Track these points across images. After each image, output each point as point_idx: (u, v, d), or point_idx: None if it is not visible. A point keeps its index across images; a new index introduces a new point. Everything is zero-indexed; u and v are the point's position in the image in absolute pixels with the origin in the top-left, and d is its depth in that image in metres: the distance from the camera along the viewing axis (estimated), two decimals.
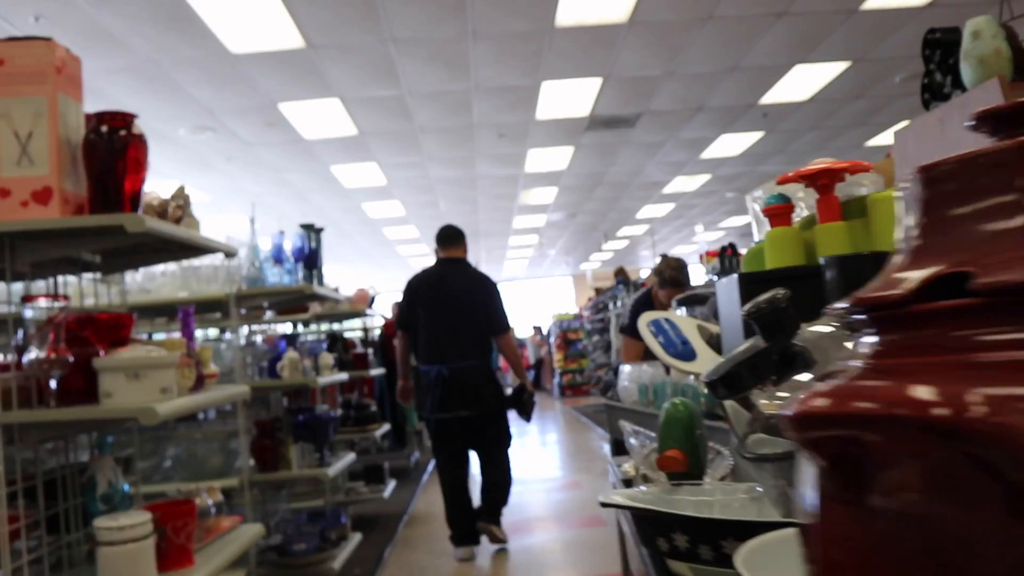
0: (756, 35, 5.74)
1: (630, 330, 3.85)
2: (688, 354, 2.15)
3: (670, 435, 0.95)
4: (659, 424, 0.97)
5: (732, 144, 8.76)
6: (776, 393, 0.75)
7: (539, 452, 8.11)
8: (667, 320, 2.38)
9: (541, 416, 10.45)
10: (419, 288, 4.18)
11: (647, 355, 3.64)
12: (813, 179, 0.95)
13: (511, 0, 4.88)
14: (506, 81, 6.27)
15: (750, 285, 0.95)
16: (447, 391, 4.00)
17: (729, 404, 0.81)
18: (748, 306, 0.75)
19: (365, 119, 6.87)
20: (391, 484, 5.32)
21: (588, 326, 14.24)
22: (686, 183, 10.74)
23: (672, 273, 4.01)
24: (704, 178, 10.52)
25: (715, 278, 6.52)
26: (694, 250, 15.72)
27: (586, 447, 8.11)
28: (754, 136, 8.53)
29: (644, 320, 2.49)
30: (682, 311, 2.73)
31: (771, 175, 10.38)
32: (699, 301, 2.58)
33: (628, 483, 1.24)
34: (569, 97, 6.74)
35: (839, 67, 6.53)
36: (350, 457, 4.11)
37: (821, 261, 0.93)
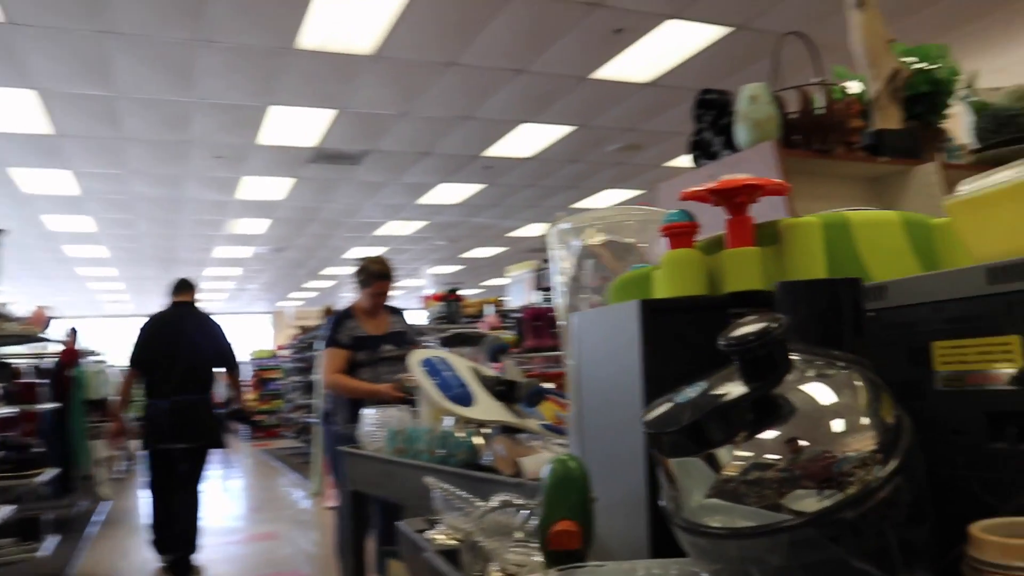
0: (493, 88, 5.85)
1: (332, 341, 3.65)
2: (465, 398, 1.96)
3: (560, 501, 0.75)
4: (544, 487, 0.77)
5: (451, 193, 8.87)
6: (738, 453, 0.59)
7: (227, 499, 7.44)
8: (442, 359, 2.18)
9: (227, 459, 9.68)
10: (154, 328, 4.56)
11: (354, 367, 3.50)
12: (728, 195, 0.82)
13: (255, 10, 4.50)
14: (233, 98, 5.79)
15: (655, 315, 0.79)
16: (172, 423, 4.34)
17: (678, 460, 0.63)
18: (731, 337, 0.58)
19: (65, 118, 5.96)
20: (51, 540, 4.53)
21: (288, 365, 13.60)
22: (400, 227, 10.70)
23: (379, 267, 3.71)
24: (419, 224, 10.56)
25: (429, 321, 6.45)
26: (401, 295, 15.72)
27: (278, 494, 7.59)
28: (474, 187, 8.71)
29: (416, 358, 2.27)
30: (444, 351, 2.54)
31: (483, 227, 10.68)
32: (466, 341, 2.42)
33: (451, 555, 1.01)
34: (297, 125, 6.40)
35: (564, 130, 6.87)
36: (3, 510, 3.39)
37: (771, 287, 0.80)
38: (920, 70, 2.54)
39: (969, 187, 0.79)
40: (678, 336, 0.82)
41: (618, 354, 0.86)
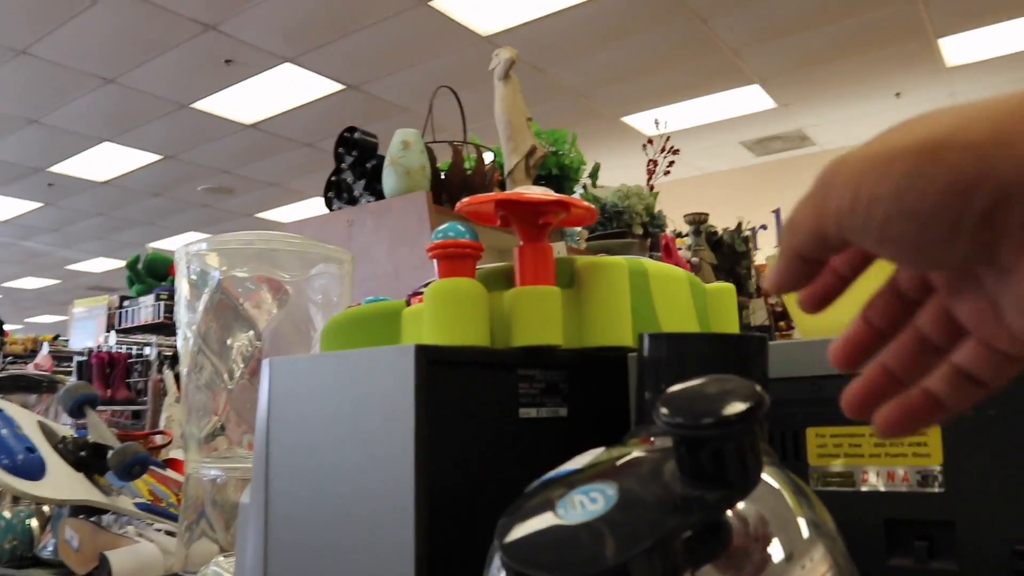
0: (74, 92, 4.99)
1: None
2: (34, 468, 1.42)
3: None
4: None
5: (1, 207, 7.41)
6: None
7: None
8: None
9: None
10: None
11: None
12: (527, 211, 0.60)
13: None
14: None
15: (434, 367, 0.53)
16: None
17: None
18: (707, 416, 0.35)
19: None
20: None
21: None
22: None
23: None
24: None
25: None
26: None
27: None
28: (31, 205, 7.36)
29: None
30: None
31: (36, 253, 9.09)
32: (27, 386, 1.80)
33: None
34: None
35: (150, 157, 6.12)
36: None
37: (645, 338, 0.57)
38: (553, 152, 2.62)
39: None
40: (460, 400, 0.56)
41: (366, 421, 0.57)
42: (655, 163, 2.89)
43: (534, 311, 0.61)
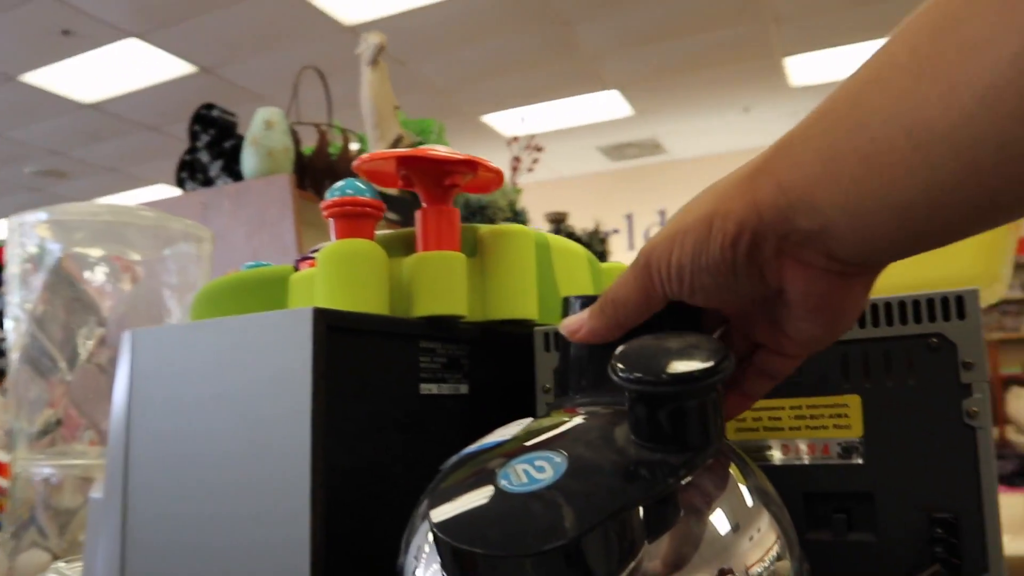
0: None
1: None
2: None
3: None
4: None
5: None
6: None
7: None
8: None
9: None
10: None
11: None
12: (433, 170, 0.56)
13: None
14: None
15: (334, 334, 0.48)
16: None
17: None
18: (666, 373, 0.32)
19: None
20: None
21: None
22: None
23: None
24: None
25: None
26: None
27: None
28: None
29: None
30: None
31: None
32: None
33: None
34: None
35: None
36: None
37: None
38: (419, 143, 2.56)
39: None
40: (359, 372, 0.51)
41: (252, 397, 0.51)
42: (519, 160, 2.88)
43: (439, 278, 0.56)
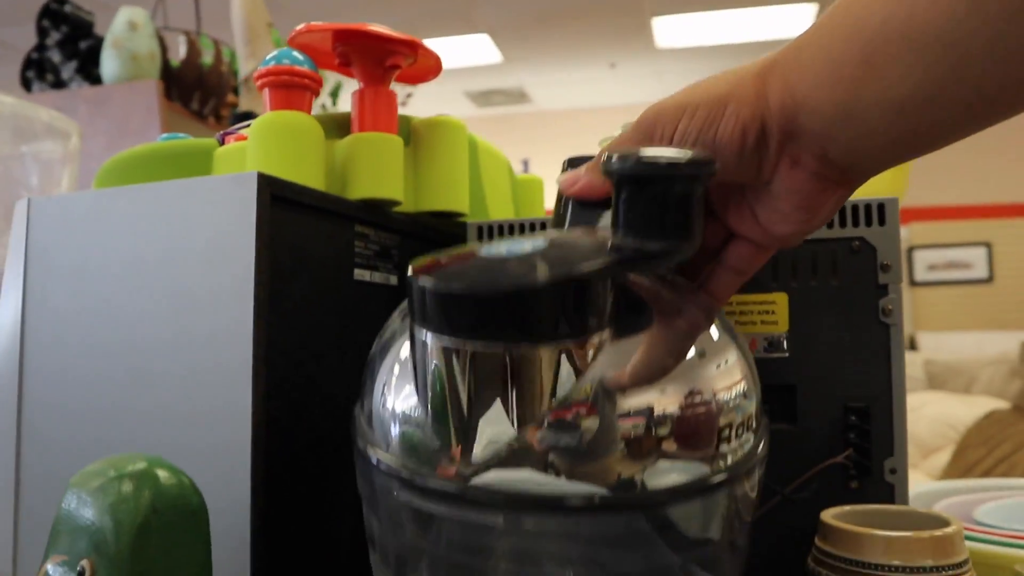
0: None
1: None
2: None
3: (161, 569, 0.33)
4: (110, 545, 0.34)
5: None
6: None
7: None
8: None
9: None
10: None
11: None
12: (372, 47, 0.54)
13: None
14: None
15: (278, 205, 0.46)
16: None
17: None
18: (646, 157, 0.33)
19: None
20: None
21: None
22: None
23: None
24: None
25: None
26: None
27: None
28: None
29: None
30: None
31: None
32: None
33: None
34: None
35: None
36: None
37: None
38: None
39: None
40: (300, 249, 0.48)
41: (182, 271, 0.47)
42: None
43: (376, 159, 0.54)
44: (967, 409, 2.88)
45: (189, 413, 0.46)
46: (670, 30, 5.07)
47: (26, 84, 1.85)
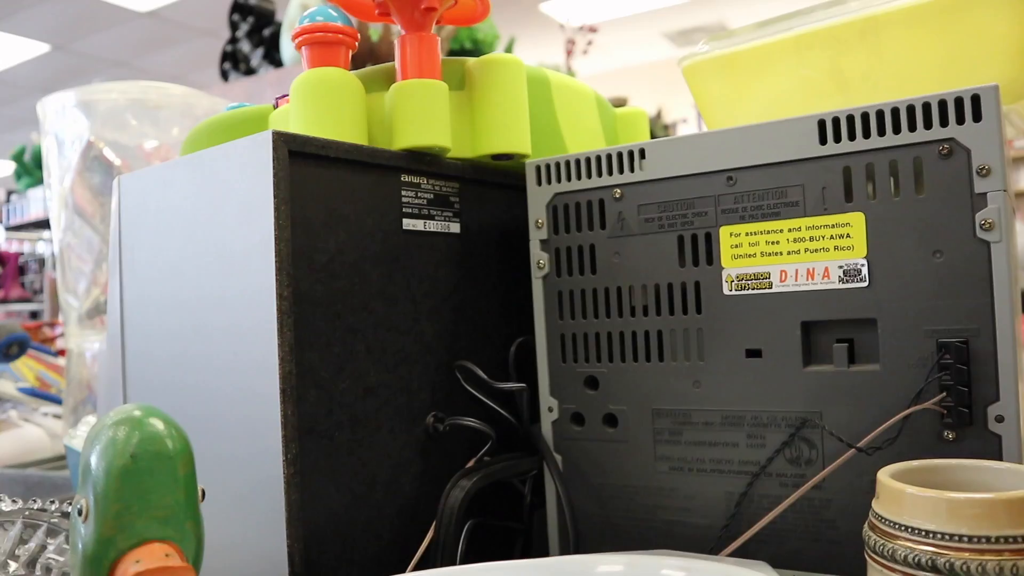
0: None
1: None
2: None
3: (141, 504, 0.36)
4: (94, 478, 0.36)
5: None
6: None
7: None
8: None
9: None
10: None
11: None
12: None
13: None
14: None
15: (297, 160, 0.45)
16: None
17: None
18: None
19: None
20: None
21: None
22: None
23: None
24: None
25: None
26: None
27: None
28: None
29: None
30: None
31: None
32: None
33: None
34: None
35: (37, 47, 5.67)
36: None
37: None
38: (467, 27, 2.49)
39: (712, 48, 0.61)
40: (330, 202, 0.49)
41: (222, 227, 0.49)
42: (573, 43, 2.78)
43: (418, 107, 0.53)
44: None
45: (233, 366, 0.48)
46: None
47: (224, 75, 2.02)
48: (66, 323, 1.22)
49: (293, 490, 0.44)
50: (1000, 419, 0.42)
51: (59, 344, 1.91)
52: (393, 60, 0.54)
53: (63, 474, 0.95)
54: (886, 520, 0.35)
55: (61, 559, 0.59)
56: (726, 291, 0.48)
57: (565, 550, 0.53)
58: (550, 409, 0.54)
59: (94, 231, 1.18)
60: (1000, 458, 0.42)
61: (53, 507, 0.62)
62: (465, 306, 0.57)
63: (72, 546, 0.37)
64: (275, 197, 0.45)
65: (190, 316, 0.51)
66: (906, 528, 0.34)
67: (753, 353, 0.48)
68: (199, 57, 6.04)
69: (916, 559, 0.33)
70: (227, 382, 0.48)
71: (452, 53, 2.45)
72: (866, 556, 0.36)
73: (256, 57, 1.95)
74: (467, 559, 0.52)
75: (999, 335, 0.42)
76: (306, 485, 0.45)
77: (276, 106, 0.60)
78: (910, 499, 0.34)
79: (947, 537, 0.33)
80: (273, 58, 1.92)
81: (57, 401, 1.39)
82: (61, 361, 1.55)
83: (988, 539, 0.32)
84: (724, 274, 0.48)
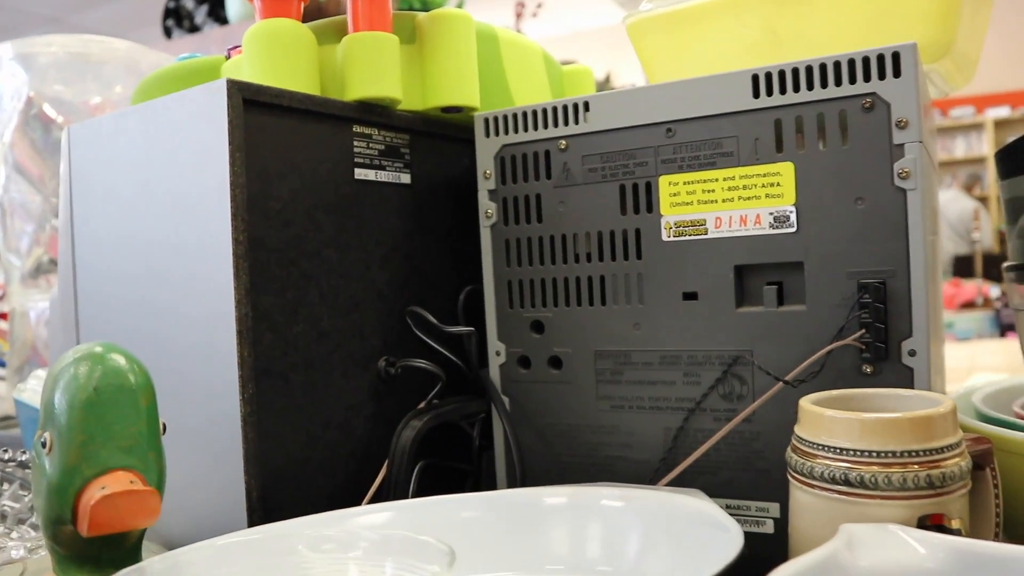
0: None
1: None
2: None
3: (105, 436, 0.37)
4: (56, 413, 0.37)
5: None
6: None
7: None
8: None
9: None
10: None
11: None
12: None
13: None
14: None
15: (252, 109, 0.46)
16: None
17: None
18: None
19: None
20: None
21: None
22: None
23: None
24: None
25: None
26: None
27: None
28: None
29: None
30: None
31: None
32: None
33: None
34: None
35: None
36: None
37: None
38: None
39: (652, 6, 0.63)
40: (284, 151, 0.50)
41: (176, 177, 0.50)
42: (523, 5, 2.77)
43: (369, 58, 0.54)
44: None
45: (189, 310, 0.49)
46: None
47: (167, 32, 1.97)
48: (8, 283, 1.21)
49: (250, 428, 0.46)
50: (913, 353, 0.45)
51: (1, 306, 1.88)
52: (337, 14, 0.55)
53: (12, 432, 0.95)
54: (806, 441, 0.38)
55: (17, 505, 0.60)
56: (664, 238, 0.51)
57: (513, 487, 0.56)
58: (497, 353, 0.57)
59: (36, 189, 1.16)
60: (912, 387, 0.45)
61: (7, 456, 0.62)
62: (416, 254, 0.58)
63: (35, 480, 0.38)
64: (230, 144, 0.46)
65: (145, 262, 0.52)
66: (823, 447, 0.37)
67: (689, 296, 0.50)
68: (137, 14, 5.86)
69: (831, 474, 0.37)
70: (184, 326, 0.49)
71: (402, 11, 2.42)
72: (788, 476, 0.40)
73: (200, 14, 1.91)
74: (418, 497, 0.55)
75: (913, 276, 0.45)
76: (262, 424, 0.47)
77: (228, 57, 0.60)
78: (828, 421, 0.38)
79: (859, 453, 0.36)
80: (218, 15, 1.89)
81: (0, 364, 1.37)
82: (3, 324, 1.53)
83: (894, 453, 0.36)
84: (663, 221, 0.51)
